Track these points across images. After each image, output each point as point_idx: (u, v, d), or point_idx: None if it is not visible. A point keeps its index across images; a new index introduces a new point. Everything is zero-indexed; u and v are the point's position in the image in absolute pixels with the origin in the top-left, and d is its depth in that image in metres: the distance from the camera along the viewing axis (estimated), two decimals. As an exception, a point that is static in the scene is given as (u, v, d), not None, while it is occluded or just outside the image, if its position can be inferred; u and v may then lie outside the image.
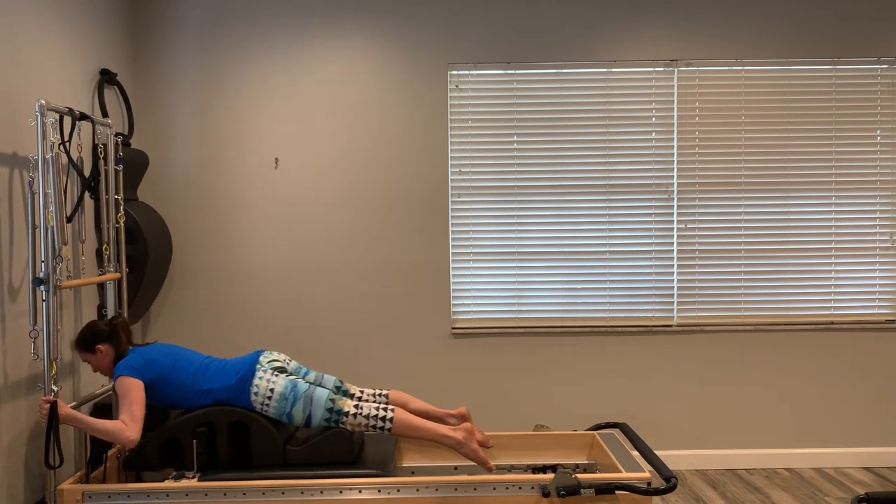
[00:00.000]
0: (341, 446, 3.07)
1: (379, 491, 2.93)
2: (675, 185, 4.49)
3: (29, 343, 3.15)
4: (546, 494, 2.86)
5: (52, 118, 3.10)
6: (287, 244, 4.45)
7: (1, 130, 3.02)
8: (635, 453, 4.48)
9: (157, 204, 4.44)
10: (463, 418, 3.33)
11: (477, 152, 4.48)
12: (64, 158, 3.43)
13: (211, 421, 3.07)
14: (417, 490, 2.93)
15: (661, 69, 4.48)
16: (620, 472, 3.01)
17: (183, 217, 4.44)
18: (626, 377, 4.51)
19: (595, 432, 3.54)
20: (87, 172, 3.61)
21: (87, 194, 3.61)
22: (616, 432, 4.40)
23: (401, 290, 4.47)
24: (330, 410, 3.06)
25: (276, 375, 3.09)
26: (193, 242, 4.44)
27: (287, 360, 3.26)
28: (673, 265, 4.51)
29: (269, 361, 3.15)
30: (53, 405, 2.90)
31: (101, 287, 3.73)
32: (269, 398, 3.05)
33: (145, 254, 3.93)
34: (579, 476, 2.88)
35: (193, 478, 2.99)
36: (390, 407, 3.10)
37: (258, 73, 4.42)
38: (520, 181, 4.48)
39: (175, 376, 3.12)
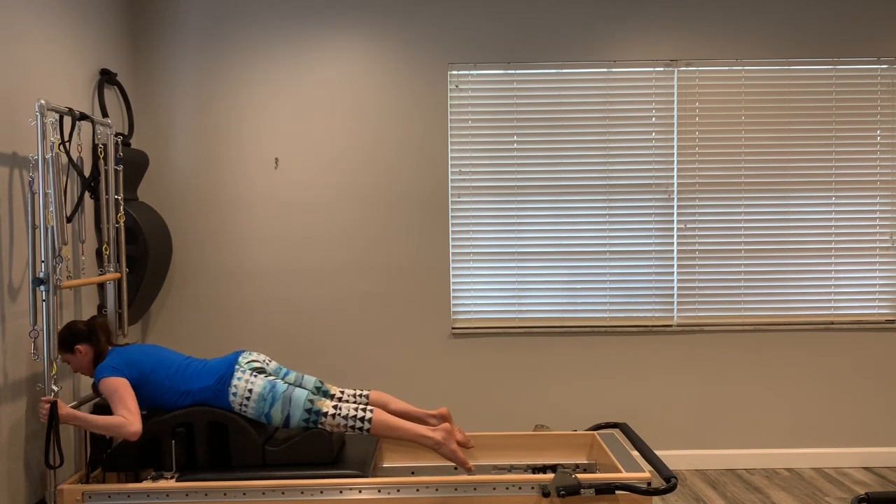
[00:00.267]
0: (320, 447, 3.07)
1: (379, 491, 2.93)
2: (675, 185, 4.49)
3: (29, 343, 3.15)
4: (546, 494, 2.86)
5: (52, 118, 3.10)
6: (287, 244, 4.45)
7: (1, 130, 3.02)
8: (635, 453, 4.48)
9: (157, 204, 4.44)
10: (443, 418, 3.33)
11: (477, 152, 4.48)
12: (64, 158, 3.43)
13: (190, 421, 3.07)
14: (417, 490, 2.93)
15: (661, 69, 4.48)
16: (620, 472, 3.01)
17: (183, 217, 4.44)
18: (626, 377, 4.51)
19: (595, 432, 3.54)
20: (87, 172, 3.61)
21: (87, 194, 3.61)
22: (616, 432, 4.40)
23: (401, 290, 4.47)
24: (308, 411, 3.06)
25: (255, 376, 3.09)
26: (193, 242, 4.44)
27: (266, 361, 3.26)
28: (673, 265, 4.51)
29: (248, 362, 3.15)
30: (53, 405, 2.90)
31: (101, 287, 3.73)
32: (248, 398, 3.05)
33: (145, 254, 3.93)
34: (579, 476, 2.88)
35: (172, 478, 2.99)
36: (369, 408, 3.10)
37: (258, 73, 4.42)
38: (519, 181, 4.48)
39: (154, 377, 3.12)
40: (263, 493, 2.93)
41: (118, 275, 3.63)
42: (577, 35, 4.44)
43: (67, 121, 3.32)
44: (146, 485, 2.94)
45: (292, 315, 4.46)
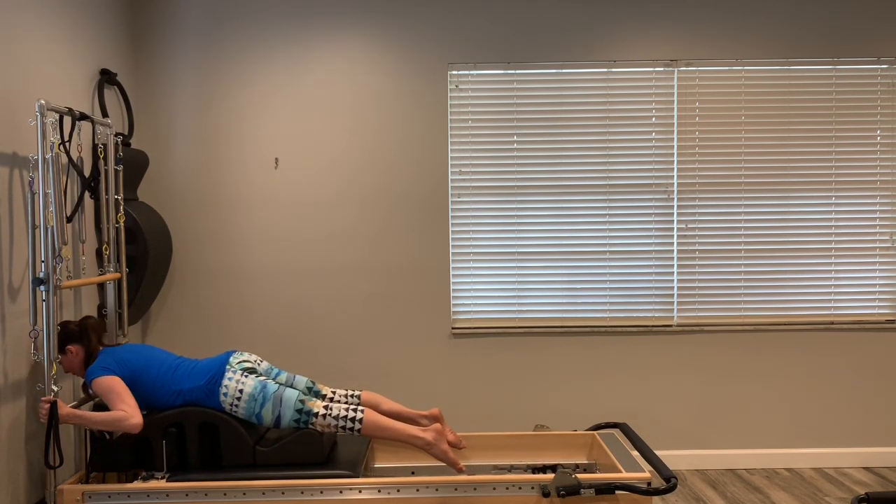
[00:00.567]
0: (311, 447, 3.07)
1: (379, 491, 2.93)
2: (675, 185, 4.49)
3: (29, 343, 3.15)
4: (546, 494, 2.86)
5: (52, 118, 3.10)
6: (287, 244, 4.45)
7: (1, 130, 3.02)
8: (635, 453, 4.48)
9: (157, 204, 4.44)
10: (435, 419, 3.33)
11: (477, 152, 4.48)
12: (64, 158, 3.43)
13: (181, 421, 3.07)
14: (417, 490, 2.93)
15: (661, 69, 4.48)
16: (620, 472, 3.01)
17: (183, 217, 4.44)
18: (626, 377, 4.51)
19: (595, 432, 3.54)
20: (87, 172, 3.61)
21: (87, 194, 3.61)
22: (616, 432, 4.40)
23: (401, 290, 4.47)
24: (299, 411, 3.06)
25: (246, 376, 3.09)
26: (193, 242, 4.44)
27: (258, 361, 3.26)
28: (673, 265, 4.51)
29: (239, 362, 3.15)
30: (53, 405, 2.90)
31: (101, 287, 3.73)
32: (238, 399, 3.05)
33: (145, 254, 3.93)
34: (579, 476, 2.88)
35: (163, 478, 2.99)
36: (360, 408, 3.10)
37: (258, 73, 4.42)
38: (519, 181, 4.48)
39: (145, 376, 3.12)
40: (263, 493, 2.93)
41: (118, 275, 3.63)
42: (577, 35, 4.44)
43: (67, 121, 3.32)
44: (146, 485, 2.94)
45: (292, 315, 4.46)
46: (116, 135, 3.83)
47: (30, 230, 3.05)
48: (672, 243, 4.51)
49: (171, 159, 4.43)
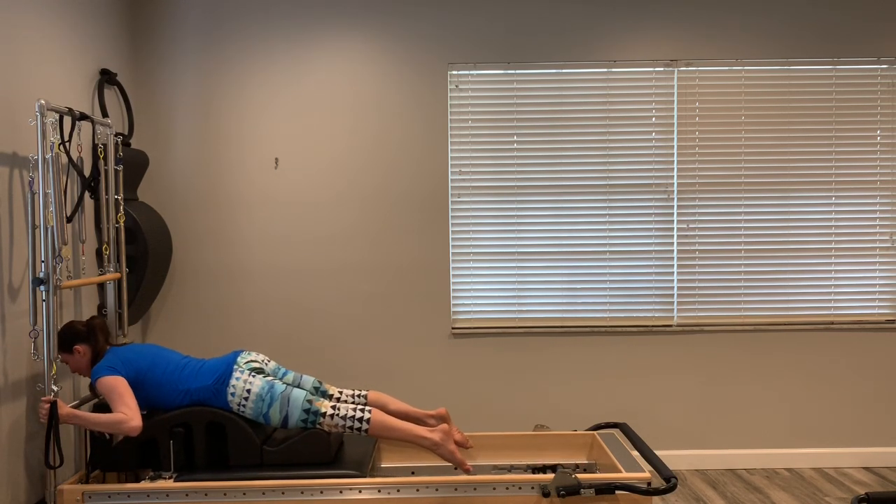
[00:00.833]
0: (318, 447, 3.07)
1: (379, 491, 2.93)
2: (675, 185, 4.49)
3: (29, 343, 3.15)
4: (546, 494, 2.86)
5: (52, 118, 3.10)
6: (287, 244, 4.45)
7: (1, 130, 3.02)
8: (635, 453, 4.48)
9: (157, 204, 4.44)
10: (442, 419, 3.33)
11: (477, 152, 4.48)
12: (64, 158, 3.43)
13: (188, 421, 3.07)
14: (417, 490, 2.93)
15: (661, 69, 4.48)
16: (620, 472, 3.01)
17: (183, 217, 4.44)
18: (626, 377, 4.51)
19: (595, 432, 3.54)
20: (87, 172, 3.61)
21: (87, 194, 3.61)
22: (616, 432, 4.40)
23: (401, 290, 4.47)
24: (307, 411, 3.06)
25: (253, 376, 3.09)
26: (193, 242, 4.44)
27: (265, 361, 3.26)
28: (673, 265, 4.51)
29: (247, 362, 3.15)
30: (53, 405, 2.90)
31: (101, 287, 3.73)
32: (246, 399, 3.05)
33: (145, 254, 3.93)
34: (579, 476, 2.88)
35: (170, 478, 2.99)
36: (367, 408, 3.10)
37: (258, 73, 4.42)
38: (519, 181, 4.48)
39: (152, 376, 3.11)
40: (263, 493, 2.93)
41: (118, 275, 3.63)
42: (577, 35, 4.44)
43: (67, 121, 3.32)
44: (146, 485, 2.94)
45: (292, 315, 4.46)
46: (116, 135, 3.83)
47: (30, 230, 3.05)
48: (672, 243, 4.51)
49: (171, 159, 4.43)
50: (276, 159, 4.44)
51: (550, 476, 2.92)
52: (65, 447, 3.40)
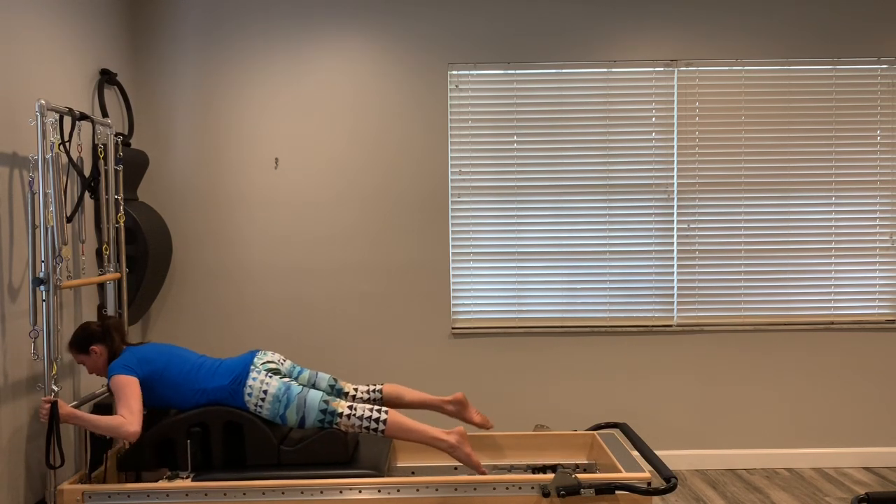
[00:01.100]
0: (335, 447, 3.07)
1: (379, 491, 2.93)
2: (675, 185, 4.49)
3: (29, 343, 3.15)
4: (546, 494, 2.86)
5: (52, 118, 3.10)
6: (287, 244, 4.45)
7: (1, 130, 3.02)
8: (635, 453, 4.48)
9: (157, 204, 4.44)
10: (459, 403, 3.33)
11: (477, 152, 4.48)
12: (64, 158, 3.43)
13: (205, 421, 3.07)
14: (417, 490, 2.93)
15: (661, 69, 4.48)
16: (620, 472, 3.01)
17: (183, 217, 4.44)
18: (626, 377, 4.51)
19: (595, 432, 3.54)
20: (87, 172, 3.61)
21: (87, 194, 3.61)
22: (616, 432, 4.40)
23: (401, 290, 4.47)
24: (324, 412, 3.06)
25: (270, 377, 3.09)
26: (193, 242, 4.44)
27: (281, 361, 3.26)
28: (673, 265, 4.51)
29: (264, 363, 3.15)
30: (54, 405, 2.90)
31: (101, 287, 3.73)
32: (263, 399, 3.05)
33: (145, 254, 3.93)
34: (579, 476, 2.88)
35: (188, 478, 2.99)
36: (384, 409, 3.10)
37: (258, 73, 4.42)
38: (519, 181, 4.48)
39: (168, 375, 3.11)
40: (263, 493, 2.93)
41: (118, 275, 3.63)
42: (577, 35, 4.44)
43: (67, 121, 3.32)
44: (146, 485, 2.94)
45: (292, 315, 4.46)
46: (116, 135, 3.83)
47: (30, 230, 3.05)
48: (672, 243, 4.51)
49: (171, 159, 4.43)
50: (276, 159, 4.44)
51: (550, 476, 2.92)
52: (65, 447, 3.40)
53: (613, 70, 4.47)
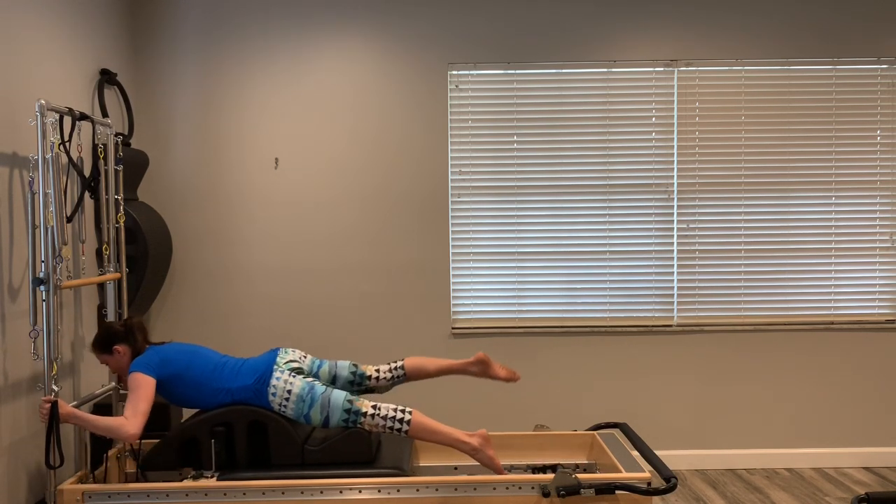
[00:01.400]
0: (359, 447, 3.07)
1: (379, 491, 2.93)
2: (675, 185, 4.49)
3: (29, 343, 3.15)
4: (546, 494, 2.86)
5: (52, 118, 3.10)
6: (287, 244, 4.45)
7: (1, 130, 3.02)
8: (635, 453, 4.48)
9: (157, 204, 4.44)
10: (482, 363, 3.33)
11: (477, 152, 4.48)
12: (64, 158, 3.43)
13: (229, 420, 3.06)
14: (417, 490, 2.93)
15: (661, 69, 4.48)
16: (620, 472, 3.01)
17: (183, 217, 4.44)
18: (626, 377, 4.51)
19: (595, 432, 3.54)
20: (87, 172, 3.61)
21: (87, 194, 3.60)
22: (616, 432, 4.40)
23: (401, 290, 4.47)
24: (348, 412, 3.05)
25: (294, 376, 3.09)
26: (193, 242, 4.44)
27: (303, 357, 3.26)
28: (673, 265, 4.51)
29: (286, 362, 3.14)
30: (54, 405, 2.90)
31: (101, 287, 3.73)
32: (287, 399, 3.05)
33: (145, 254, 3.93)
34: (579, 476, 2.88)
35: (212, 477, 2.99)
36: (408, 409, 3.09)
37: (258, 73, 4.42)
38: (519, 181, 4.48)
39: (191, 375, 3.11)
40: (263, 493, 2.93)
41: (118, 275, 3.63)
42: (577, 35, 4.44)
43: (67, 121, 3.32)
44: (146, 485, 2.94)
45: (292, 315, 4.46)
46: (116, 135, 3.83)
47: (30, 230, 3.05)
48: (672, 243, 4.51)
49: (171, 159, 4.43)
50: (276, 159, 4.44)
51: (550, 476, 2.92)
52: (65, 447, 3.40)
53: (613, 70, 4.47)
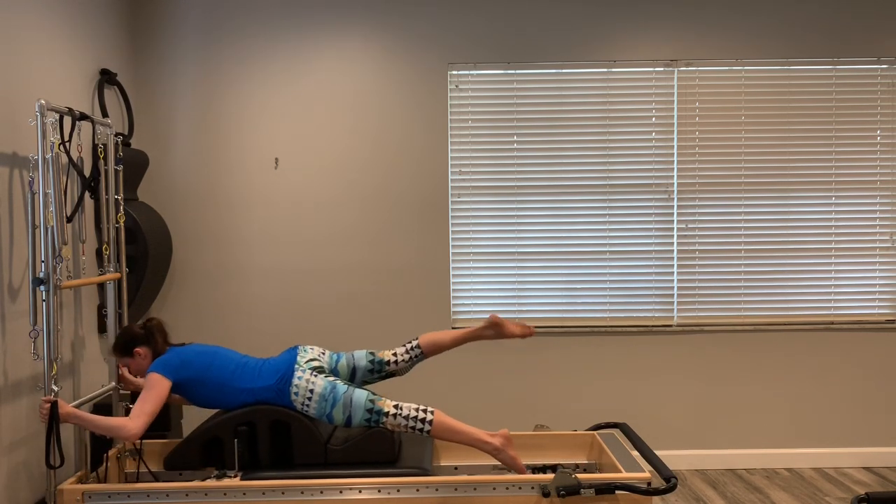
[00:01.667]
0: (382, 446, 3.07)
1: (379, 491, 2.93)
2: (675, 185, 4.49)
3: (29, 343, 3.15)
4: (546, 494, 2.86)
5: (52, 118, 3.10)
6: (287, 244, 4.45)
7: (1, 130, 3.02)
8: (635, 453, 4.48)
9: (157, 204, 4.44)
10: (495, 325, 3.30)
11: (477, 152, 4.48)
12: (64, 158, 3.43)
13: (252, 420, 3.07)
14: (417, 490, 2.93)
15: (661, 69, 4.48)
16: (620, 472, 3.01)
17: (183, 217, 4.44)
18: (626, 377, 4.51)
19: (595, 432, 3.54)
20: (87, 172, 3.61)
21: (87, 194, 3.61)
22: (616, 432, 4.40)
23: (401, 291, 4.47)
24: (370, 411, 3.05)
25: (315, 375, 3.08)
26: (193, 242, 4.44)
27: (321, 354, 3.25)
28: (673, 265, 4.51)
29: (307, 361, 3.14)
30: (54, 405, 2.90)
31: (101, 287, 3.73)
32: (309, 399, 3.05)
33: (145, 254, 3.93)
34: (579, 476, 2.88)
35: (235, 477, 2.99)
36: (430, 409, 3.08)
37: (258, 72, 4.42)
38: (519, 181, 4.48)
39: (211, 376, 3.11)
40: (263, 493, 2.93)
41: (118, 275, 3.63)
42: (577, 35, 4.44)
43: (67, 121, 3.32)
44: (146, 485, 2.94)
45: (292, 315, 4.46)
46: (116, 135, 3.83)
47: (30, 230, 3.05)
48: (672, 243, 4.51)
49: (171, 159, 4.43)
50: (276, 159, 4.44)
51: (550, 476, 2.92)
52: (65, 447, 3.40)
53: (613, 70, 4.47)
